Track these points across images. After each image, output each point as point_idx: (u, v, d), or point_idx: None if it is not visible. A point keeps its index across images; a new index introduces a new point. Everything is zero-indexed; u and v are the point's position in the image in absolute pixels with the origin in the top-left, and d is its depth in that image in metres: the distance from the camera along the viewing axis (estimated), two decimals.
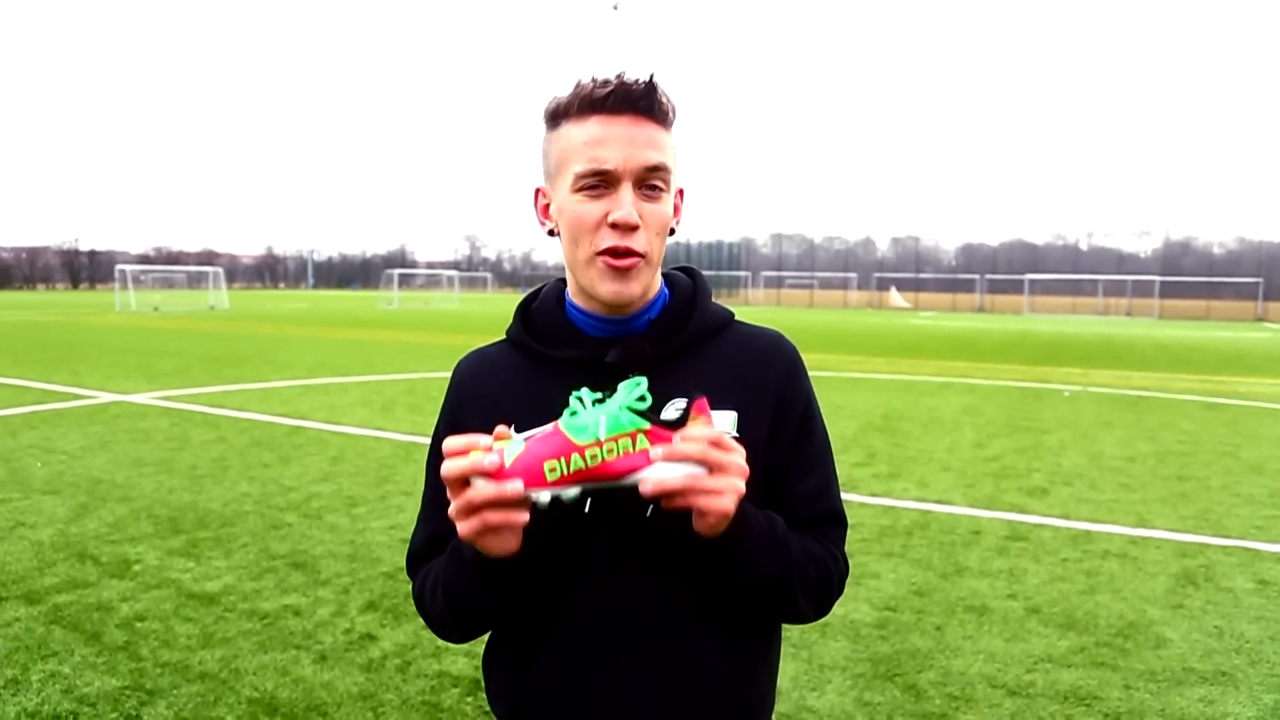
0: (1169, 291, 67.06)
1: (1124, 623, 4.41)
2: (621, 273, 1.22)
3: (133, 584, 4.72)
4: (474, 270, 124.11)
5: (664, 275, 1.39)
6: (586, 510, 1.22)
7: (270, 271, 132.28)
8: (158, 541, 5.45)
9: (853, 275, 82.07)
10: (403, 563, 5.11)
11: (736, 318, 1.41)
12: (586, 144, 1.19)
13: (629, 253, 1.21)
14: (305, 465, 7.66)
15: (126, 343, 21.19)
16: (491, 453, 1.06)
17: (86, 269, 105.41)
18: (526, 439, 1.08)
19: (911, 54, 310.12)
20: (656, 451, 1.06)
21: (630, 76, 1.20)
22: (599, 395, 1.10)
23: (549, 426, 1.09)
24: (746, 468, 1.10)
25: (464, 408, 1.37)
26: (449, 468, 1.07)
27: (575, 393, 1.11)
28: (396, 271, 62.04)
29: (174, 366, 15.75)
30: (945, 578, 5.01)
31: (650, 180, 1.21)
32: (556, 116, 1.24)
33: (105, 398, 11.64)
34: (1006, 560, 5.35)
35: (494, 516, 1.06)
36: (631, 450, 1.06)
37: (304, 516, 6.06)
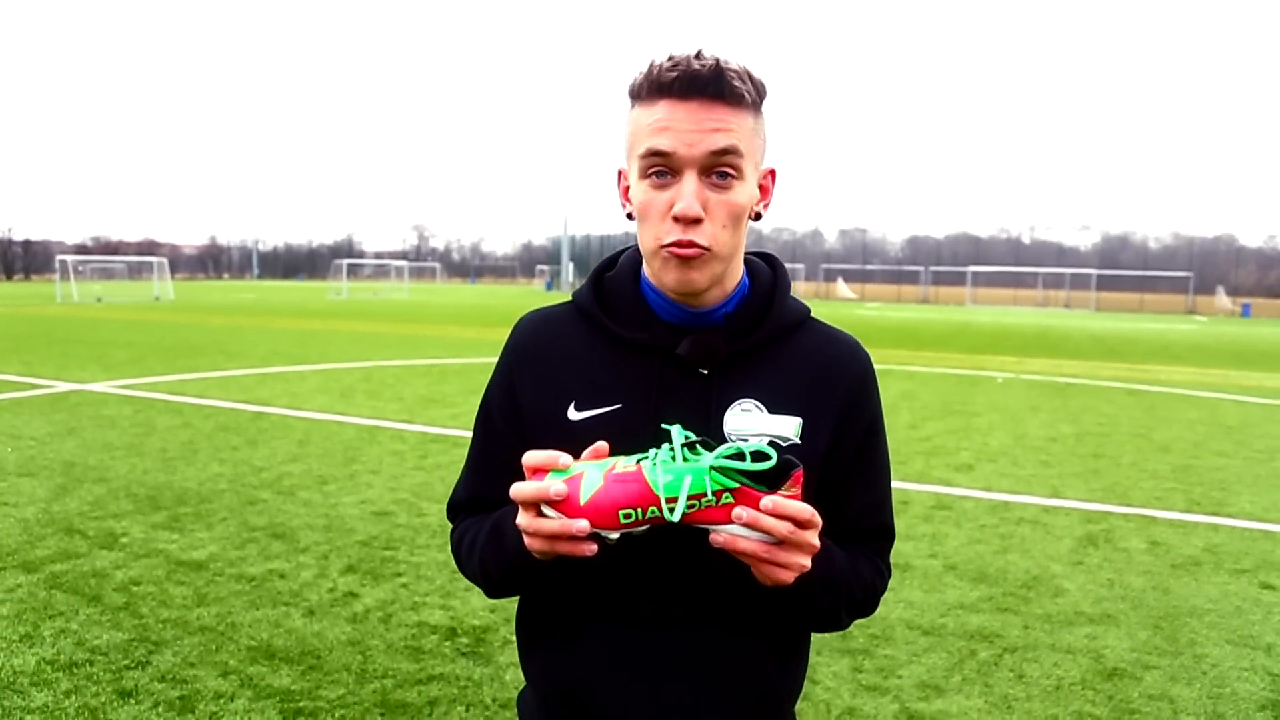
0: (1106, 284, 69.16)
1: (1029, 577, 4.96)
2: (686, 261, 1.18)
3: (122, 554, 5.04)
4: (422, 260, 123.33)
5: (746, 262, 1.33)
6: None
7: (214, 262, 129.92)
8: (140, 517, 5.75)
9: (800, 266, 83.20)
10: (376, 532, 5.51)
11: (813, 314, 1.37)
12: (651, 126, 1.16)
13: (692, 245, 1.17)
14: (273, 448, 7.97)
15: (75, 333, 21.04)
16: (567, 473, 1.07)
17: (21, 259, 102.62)
18: (605, 472, 1.06)
19: (859, 50, 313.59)
20: (739, 514, 1.03)
21: (702, 58, 1.15)
22: (694, 438, 1.08)
23: (631, 464, 1.07)
24: (818, 544, 1.08)
25: (521, 368, 1.33)
26: (518, 491, 1.08)
27: (669, 426, 1.10)
28: (345, 262, 61.61)
29: (128, 356, 15.79)
30: None
31: (719, 167, 1.16)
32: (632, 96, 1.20)
33: (63, 387, 11.74)
34: (931, 526, 5.89)
35: (563, 547, 1.07)
36: (714, 505, 1.04)
37: (277, 493, 6.40)
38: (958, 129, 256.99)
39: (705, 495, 1.03)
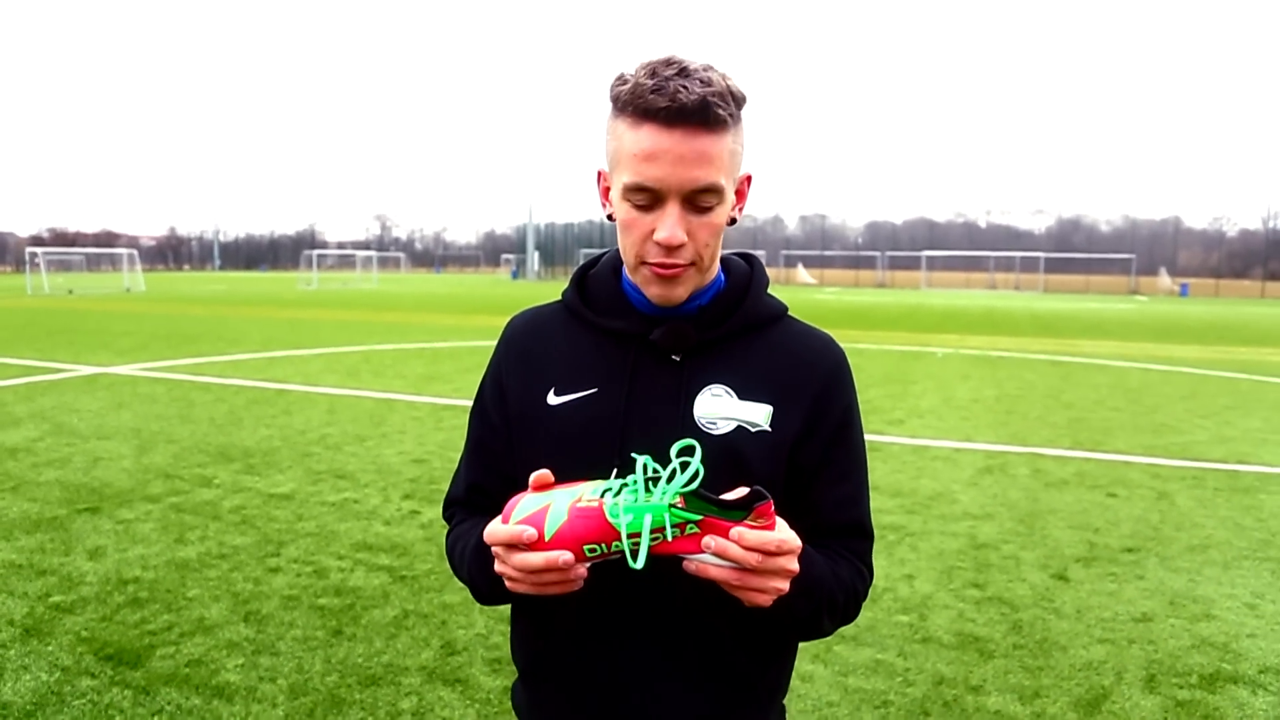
0: (1054, 267, 71.73)
1: (934, 493, 6.43)
2: (667, 279, 1.23)
3: (220, 491, 6.33)
4: (385, 250, 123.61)
5: (723, 260, 1.38)
6: None
7: (174, 253, 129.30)
8: (220, 467, 7.03)
9: (761, 253, 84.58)
10: (419, 473, 6.84)
11: (790, 313, 1.40)
12: (636, 156, 1.17)
13: (674, 266, 1.21)
14: (306, 416, 9.24)
15: (67, 323, 21.87)
16: (539, 501, 1.10)
17: None
18: (571, 504, 1.08)
19: (819, 38, 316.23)
20: (708, 543, 1.05)
21: (688, 75, 1.15)
22: (656, 467, 1.08)
23: (595, 497, 1.08)
24: (796, 568, 1.09)
25: (508, 360, 1.40)
26: (491, 533, 1.11)
27: (638, 456, 1.10)
28: (315, 253, 62.31)
29: (133, 344, 16.81)
30: None
31: (700, 198, 1.18)
32: (617, 105, 1.21)
33: (86, 370, 12.80)
34: None
35: (550, 577, 1.09)
36: (680, 535, 1.05)
37: (326, 448, 7.70)
38: (918, 115, 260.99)
39: (665, 532, 1.04)
